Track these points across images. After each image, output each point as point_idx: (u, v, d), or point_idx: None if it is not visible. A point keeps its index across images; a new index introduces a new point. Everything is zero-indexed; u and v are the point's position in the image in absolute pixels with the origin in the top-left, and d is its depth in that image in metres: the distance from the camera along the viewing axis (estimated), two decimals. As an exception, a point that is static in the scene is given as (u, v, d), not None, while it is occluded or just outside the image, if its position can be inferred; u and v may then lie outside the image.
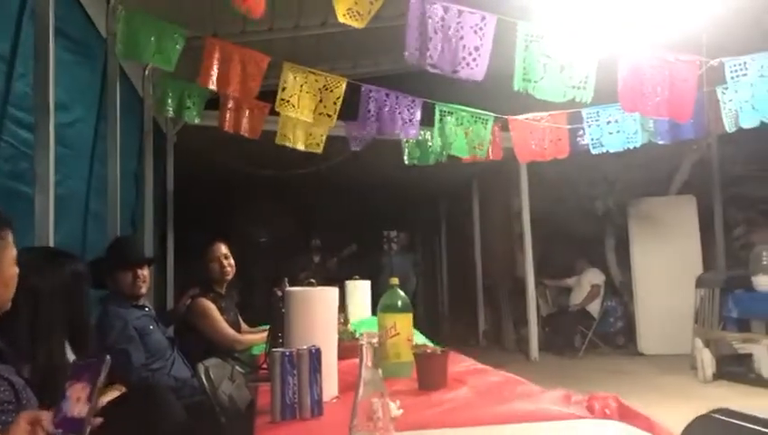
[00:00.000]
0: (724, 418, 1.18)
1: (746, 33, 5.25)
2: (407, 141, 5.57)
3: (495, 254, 10.65)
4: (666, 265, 8.67)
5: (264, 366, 2.79)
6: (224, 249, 4.10)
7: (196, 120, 4.94)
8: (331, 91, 4.09)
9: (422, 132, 5.45)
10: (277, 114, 4.49)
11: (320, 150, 5.05)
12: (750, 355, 6.53)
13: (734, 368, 6.67)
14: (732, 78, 4.06)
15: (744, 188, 9.10)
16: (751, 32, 5.29)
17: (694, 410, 1.34)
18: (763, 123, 4.21)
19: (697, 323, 7.24)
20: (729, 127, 4.55)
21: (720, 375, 6.61)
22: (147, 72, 5.38)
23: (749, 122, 4.25)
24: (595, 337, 9.06)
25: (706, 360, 6.65)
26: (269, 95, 4.24)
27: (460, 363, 2.49)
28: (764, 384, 6.19)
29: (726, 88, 4.26)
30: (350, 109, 4.45)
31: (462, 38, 3.28)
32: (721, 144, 8.66)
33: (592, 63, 3.74)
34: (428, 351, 2.07)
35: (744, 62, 4.05)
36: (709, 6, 4.71)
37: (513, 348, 9.57)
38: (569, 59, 3.73)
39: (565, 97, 3.77)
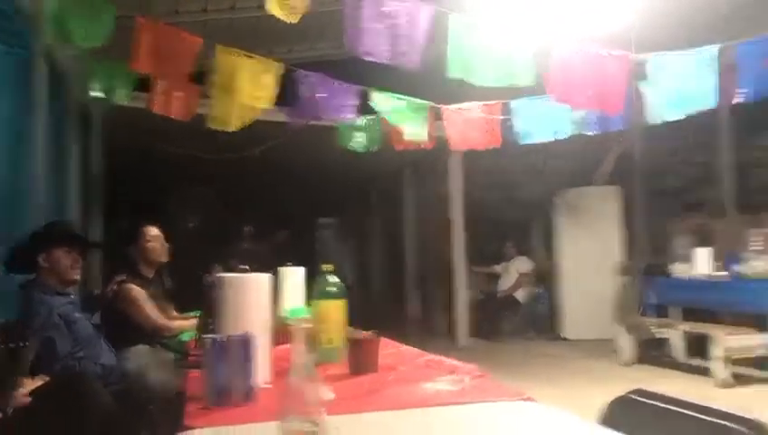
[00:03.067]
0: (639, 398, 1.27)
1: (672, 30, 5.43)
2: (341, 128, 5.57)
3: (427, 240, 10.76)
4: (590, 254, 8.98)
5: (195, 352, 2.77)
6: (158, 231, 4.03)
7: (125, 102, 4.80)
8: (267, 75, 4.06)
9: (357, 119, 5.46)
10: (210, 96, 4.41)
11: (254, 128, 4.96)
12: (667, 340, 6.85)
13: (653, 352, 6.97)
14: (656, 73, 4.23)
15: (666, 179, 9.49)
16: (676, 29, 5.49)
17: (614, 393, 1.42)
18: (687, 116, 4.42)
19: (619, 309, 7.54)
20: (653, 120, 4.75)
21: (640, 359, 6.90)
22: (73, 53, 5.19)
23: (672, 115, 4.46)
24: (522, 323, 9.31)
25: (625, 344, 6.94)
26: (202, 77, 4.16)
27: (391, 348, 2.53)
28: (679, 367, 6.50)
29: (651, 83, 4.44)
30: (286, 93, 4.41)
31: (399, 27, 3.31)
32: (645, 137, 8.99)
33: (527, 52, 3.84)
34: (360, 336, 2.10)
35: (668, 59, 4.22)
36: (636, 3, 4.86)
37: (442, 333, 9.72)
38: (504, 48, 3.83)
39: (502, 83, 3.88)
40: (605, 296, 8.08)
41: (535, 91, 5.07)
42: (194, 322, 3.28)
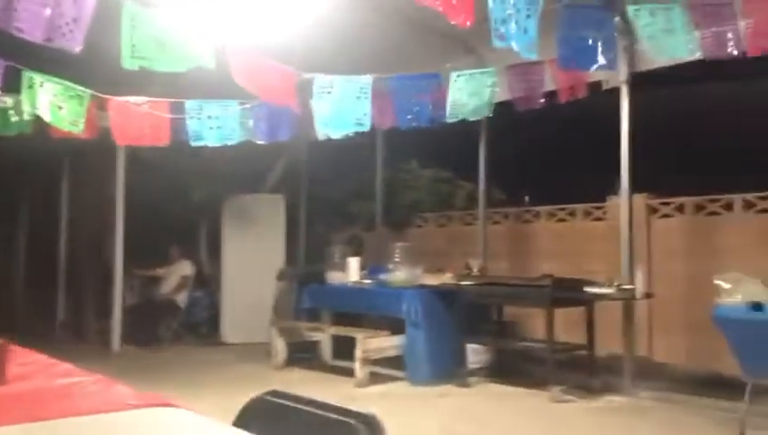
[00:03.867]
0: (272, 398, 1.36)
1: (334, 55, 5.82)
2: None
3: (84, 239, 10.02)
4: (253, 259, 9.20)
5: None
6: None
7: None
8: None
9: (4, 99, 4.90)
10: None
11: None
12: (319, 342, 7.32)
13: (304, 355, 7.39)
14: (318, 93, 4.56)
15: (328, 190, 10.19)
16: (337, 54, 5.88)
17: (261, 395, 1.48)
18: (346, 135, 4.85)
19: (275, 313, 7.86)
20: (320, 135, 5.10)
21: (292, 362, 7.25)
22: None
23: (332, 133, 4.87)
24: (181, 328, 9.17)
25: (280, 348, 7.25)
26: None
27: (26, 357, 2.31)
28: (327, 369, 7.01)
29: (315, 100, 4.76)
30: None
31: (58, 6, 3.04)
32: (311, 149, 9.56)
33: (206, 41, 3.89)
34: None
35: (329, 81, 4.59)
36: (301, 24, 5.10)
37: (94, 340, 9.10)
38: (182, 36, 3.82)
39: (185, 67, 3.87)
40: (265, 301, 8.36)
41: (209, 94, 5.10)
42: None
